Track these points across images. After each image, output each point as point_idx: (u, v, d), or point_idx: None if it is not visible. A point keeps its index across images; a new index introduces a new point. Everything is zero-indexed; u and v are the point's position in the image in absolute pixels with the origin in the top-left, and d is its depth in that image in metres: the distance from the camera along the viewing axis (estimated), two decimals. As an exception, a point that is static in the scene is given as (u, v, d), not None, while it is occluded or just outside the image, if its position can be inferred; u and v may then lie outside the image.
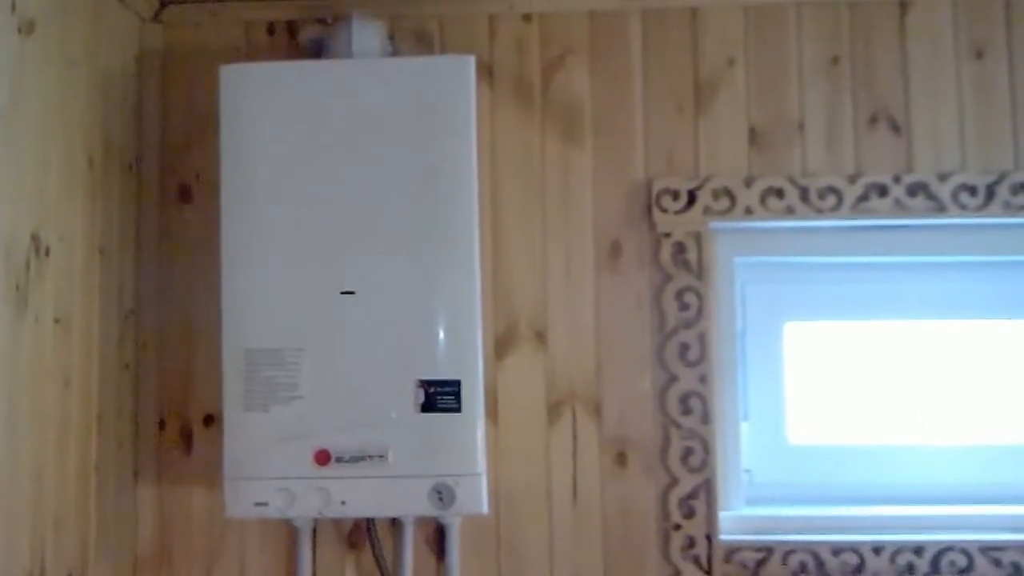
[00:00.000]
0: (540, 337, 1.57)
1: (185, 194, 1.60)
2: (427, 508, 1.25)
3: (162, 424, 1.56)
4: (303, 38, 1.58)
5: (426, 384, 1.26)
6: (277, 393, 1.26)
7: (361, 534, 1.53)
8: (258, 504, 1.24)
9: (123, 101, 1.54)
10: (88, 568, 1.36)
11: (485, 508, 1.28)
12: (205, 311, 1.54)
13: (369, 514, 1.28)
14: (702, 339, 1.55)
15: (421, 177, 1.30)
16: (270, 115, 1.31)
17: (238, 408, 1.27)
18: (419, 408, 1.26)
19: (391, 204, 1.30)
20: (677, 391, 1.54)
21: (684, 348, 1.55)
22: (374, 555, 1.48)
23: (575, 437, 1.56)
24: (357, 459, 1.24)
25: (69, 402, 1.32)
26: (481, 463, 1.27)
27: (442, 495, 1.25)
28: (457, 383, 1.26)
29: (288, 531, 1.54)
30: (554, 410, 1.56)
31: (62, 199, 1.31)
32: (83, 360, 1.36)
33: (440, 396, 1.25)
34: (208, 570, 1.55)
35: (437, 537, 1.54)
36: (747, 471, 1.65)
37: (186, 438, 1.56)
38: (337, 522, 1.54)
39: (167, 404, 1.57)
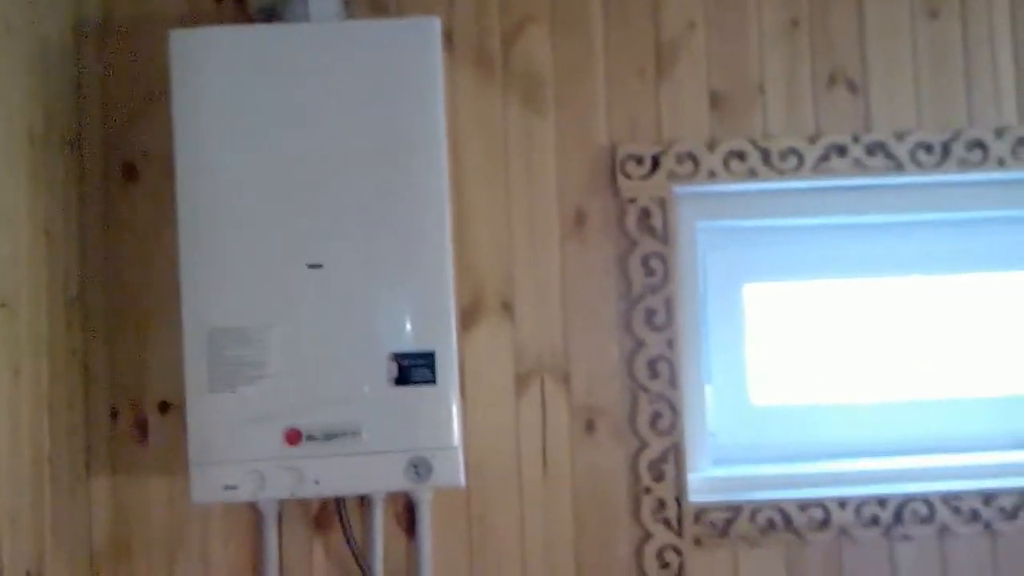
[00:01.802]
0: (507, 307, 1.56)
1: (130, 172, 1.53)
2: (403, 483, 1.22)
3: (114, 413, 1.50)
4: (252, 6, 1.52)
5: (399, 357, 1.23)
6: (243, 373, 1.22)
7: (329, 515, 1.50)
8: (228, 488, 1.20)
9: (62, 73, 1.47)
10: (45, 564, 1.31)
11: (462, 480, 1.26)
12: (156, 295, 1.49)
13: (344, 492, 1.25)
14: (668, 304, 1.55)
15: (387, 143, 1.26)
16: (225, 83, 1.26)
17: (202, 390, 1.22)
18: (393, 382, 1.23)
19: (357, 172, 1.26)
20: (645, 356, 1.54)
21: (651, 313, 1.55)
22: (344, 535, 1.46)
23: (544, 407, 1.55)
24: (330, 437, 1.21)
25: (19, 392, 1.25)
26: (457, 435, 1.25)
27: (418, 469, 1.22)
28: (431, 355, 1.24)
29: (252, 516, 1.50)
30: (522, 381, 1.55)
31: (3, 178, 1.24)
32: (32, 347, 1.30)
33: (414, 368, 1.22)
34: (170, 562, 1.50)
35: (407, 514, 1.52)
36: (712, 433, 1.67)
37: (141, 427, 1.50)
38: (304, 504, 1.51)
39: (120, 392, 1.50)
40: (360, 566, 1.48)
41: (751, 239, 1.71)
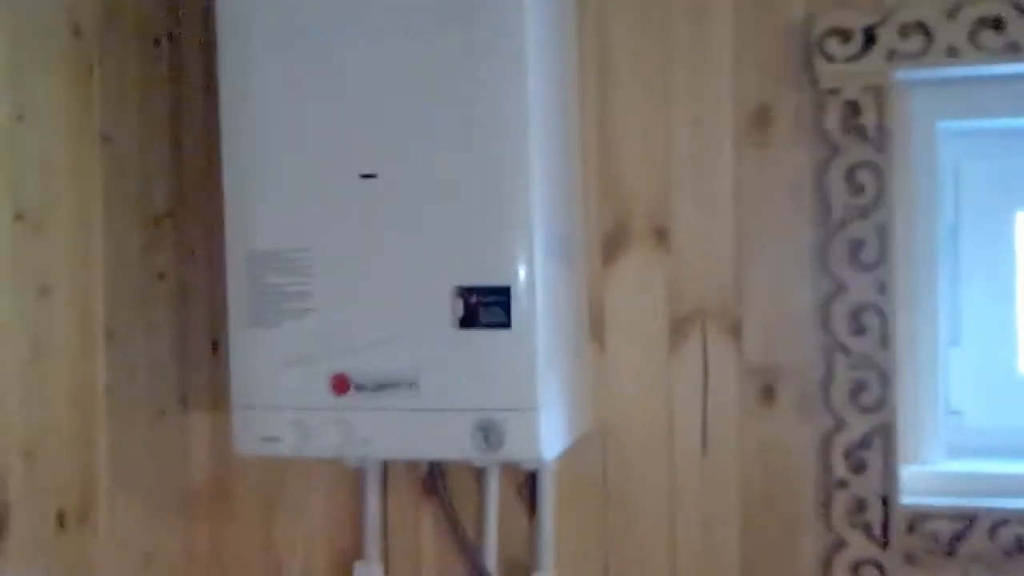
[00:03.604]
0: (661, 235, 1.22)
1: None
2: (469, 450, 0.95)
3: (215, 345, 1.35)
4: None
5: (466, 292, 0.95)
6: (285, 305, 1.00)
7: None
8: (267, 439, 1.00)
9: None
10: (96, 505, 1.18)
11: (544, 453, 0.96)
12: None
13: (399, 455, 1.00)
14: (882, 233, 1.13)
15: (459, 37, 0.97)
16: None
17: (243, 324, 1.02)
18: (458, 323, 0.95)
19: (421, 68, 0.98)
20: (846, 304, 1.14)
21: (856, 246, 1.14)
22: (443, 507, 1.22)
23: (706, 364, 1.20)
24: (382, 387, 0.97)
25: (43, 314, 1.09)
26: (538, 394, 0.95)
27: (487, 435, 0.94)
28: (506, 291, 0.94)
29: (356, 474, 1.31)
30: (678, 329, 1.21)
31: (34, 71, 1.09)
32: (69, 265, 1.14)
33: (484, 307, 0.93)
34: (268, 512, 1.35)
35: (529, 487, 1.25)
36: (956, 412, 1.23)
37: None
38: (412, 465, 1.28)
39: (223, 323, 1.36)
40: (463, 543, 1.24)
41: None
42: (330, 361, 0.98)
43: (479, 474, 1.25)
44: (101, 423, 1.19)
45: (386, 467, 1.30)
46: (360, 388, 0.97)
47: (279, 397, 1.00)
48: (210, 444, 1.37)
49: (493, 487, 1.24)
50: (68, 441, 1.14)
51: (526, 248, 0.95)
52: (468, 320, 0.94)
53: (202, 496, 1.38)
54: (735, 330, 1.19)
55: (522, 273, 0.95)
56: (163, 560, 1.31)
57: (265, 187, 1.03)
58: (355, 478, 1.31)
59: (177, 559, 1.34)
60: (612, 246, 1.23)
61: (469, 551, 1.26)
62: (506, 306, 0.94)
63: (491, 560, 1.25)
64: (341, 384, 0.98)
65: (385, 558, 1.30)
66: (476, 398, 0.95)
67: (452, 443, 0.96)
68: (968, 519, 1.09)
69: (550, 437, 0.99)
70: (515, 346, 0.94)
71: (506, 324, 0.93)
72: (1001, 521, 1.08)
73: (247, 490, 1.37)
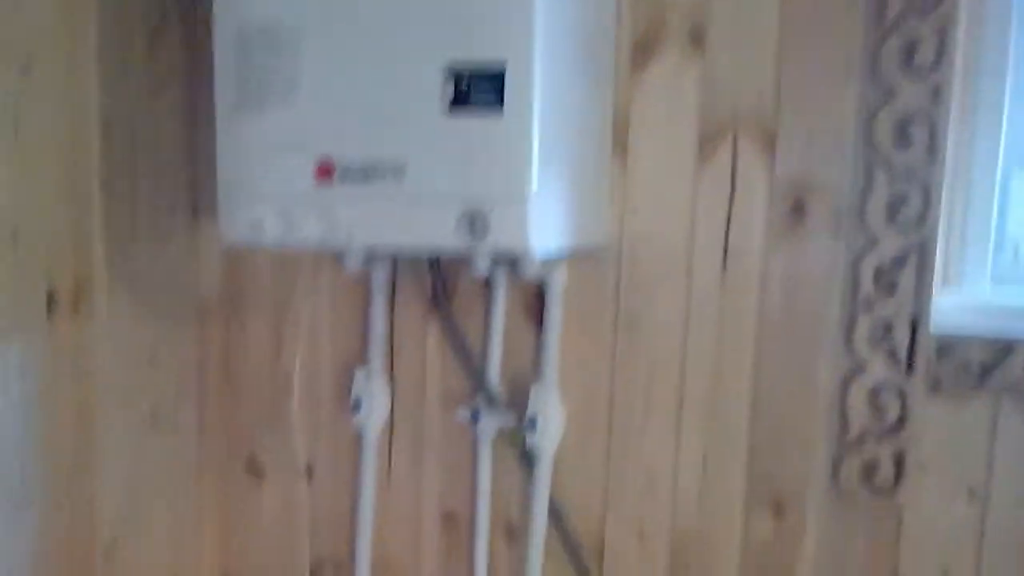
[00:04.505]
0: (696, 37, 1.10)
1: None
2: (454, 240, 0.89)
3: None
4: None
5: (457, 70, 0.86)
6: (273, 87, 0.93)
7: (446, 295, 1.24)
8: (253, 227, 0.95)
9: None
10: (93, 294, 1.17)
11: (533, 248, 0.90)
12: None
13: (383, 244, 0.94)
14: (941, 34, 1.00)
15: None
16: None
17: (229, 108, 0.96)
18: (448, 106, 0.87)
19: None
20: (893, 113, 1.03)
21: (910, 47, 1.01)
22: (446, 320, 1.18)
23: (734, 180, 1.11)
24: (368, 173, 0.90)
25: (21, 92, 1.05)
26: (531, 184, 0.88)
27: (473, 224, 0.88)
28: (500, 70, 0.85)
29: (363, 289, 1.28)
30: (709, 141, 1.12)
31: None
32: (53, 43, 1.07)
33: (476, 87, 0.85)
34: (277, 325, 1.34)
35: (537, 303, 1.20)
36: (1012, 241, 1.13)
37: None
38: (420, 281, 1.25)
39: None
40: (465, 357, 1.21)
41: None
42: (316, 146, 0.92)
43: (487, 290, 1.20)
44: (97, 215, 1.16)
45: (394, 281, 1.26)
46: (345, 175, 0.91)
47: (264, 185, 0.95)
48: (221, 252, 1.35)
49: (500, 301, 1.19)
50: (58, 227, 1.11)
51: (524, 21, 0.85)
52: (459, 101, 0.86)
53: (212, 303, 1.37)
54: (768, 141, 1.09)
55: (518, 52, 0.85)
56: (171, 362, 1.32)
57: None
58: (363, 291, 1.28)
59: (186, 362, 1.35)
60: (642, 51, 1.13)
61: (471, 365, 1.23)
62: (499, 87, 0.85)
63: (494, 375, 1.22)
64: (326, 169, 0.92)
65: (389, 369, 1.29)
66: (465, 186, 0.88)
67: (437, 232, 0.90)
68: (1004, 350, 1.00)
69: (544, 232, 0.92)
70: (508, 131, 0.86)
71: (498, 106, 0.85)
72: (1041, 350, 0.99)
73: (257, 299, 1.36)
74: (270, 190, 0.95)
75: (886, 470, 1.06)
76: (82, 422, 1.18)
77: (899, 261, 1.03)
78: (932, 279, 1.03)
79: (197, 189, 1.32)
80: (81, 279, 1.16)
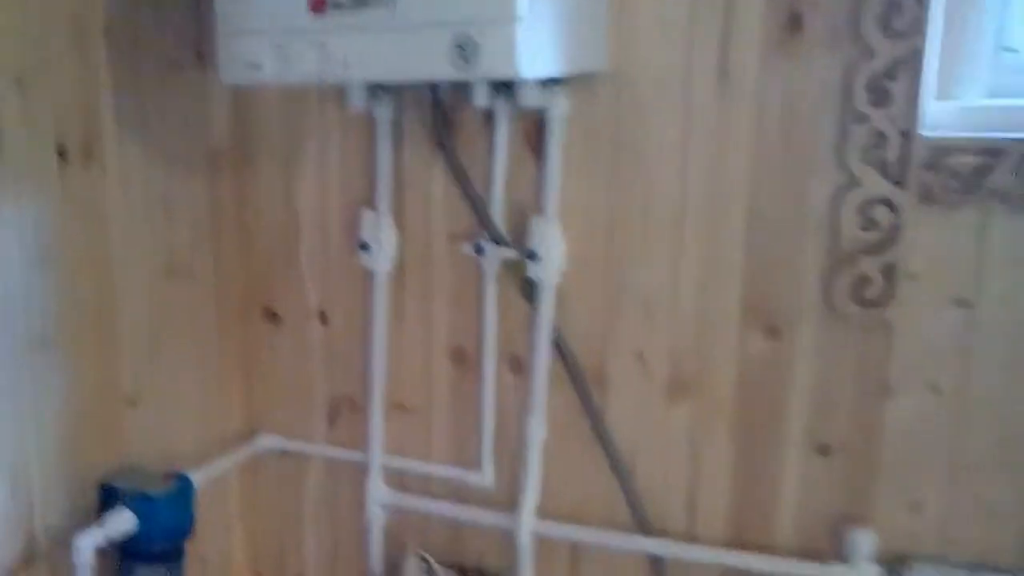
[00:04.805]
0: None
1: None
2: (447, 69, 0.90)
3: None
4: None
5: None
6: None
7: (450, 133, 1.25)
8: (250, 65, 0.97)
9: None
10: (103, 143, 1.20)
11: (523, 68, 0.90)
12: None
13: (378, 76, 0.96)
14: None
15: None
16: None
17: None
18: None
19: None
20: (889, -84, 1.00)
21: None
22: (449, 157, 1.20)
23: (729, -3, 1.10)
24: (360, 3, 0.91)
25: None
26: (517, 4, 0.88)
27: (464, 49, 0.89)
28: None
29: (369, 130, 1.29)
30: (703, -40, 1.10)
31: None
32: None
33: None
34: (287, 168, 1.36)
35: (537, 132, 1.21)
36: (1009, 50, 1.10)
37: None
38: (423, 117, 1.26)
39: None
40: (468, 191, 1.24)
41: None
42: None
43: (489, 124, 1.21)
44: (102, 63, 1.18)
45: (400, 123, 1.28)
46: (338, 5, 0.92)
47: (260, 21, 0.97)
48: (232, 101, 1.37)
49: (502, 133, 1.21)
50: (65, 75, 1.14)
51: None
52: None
53: (224, 151, 1.40)
54: (762, -46, 1.07)
55: None
56: (185, 209, 1.35)
57: None
58: (369, 132, 1.29)
59: (200, 209, 1.38)
60: None
61: (475, 200, 1.25)
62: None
63: (497, 208, 1.24)
64: (319, 1, 0.93)
65: (396, 209, 1.32)
66: (454, 12, 0.89)
67: (430, 61, 0.91)
68: (993, 154, 1.00)
69: (534, 55, 0.92)
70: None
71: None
72: (1031, 154, 0.99)
73: (266, 144, 1.38)
74: (266, 25, 0.96)
75: (877, 284, 1.07)
76: (100, 272, 1.23)
77: (892, 71, 1.02)
78: (924, 88, 1.02)
79: (202, 37, 1.33)
80: (90, 128, 1.18)
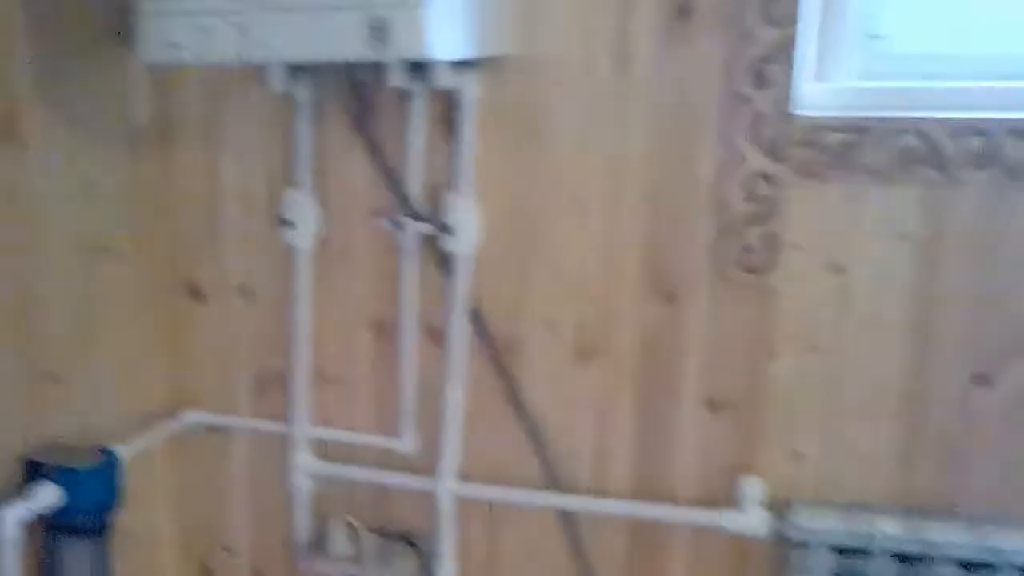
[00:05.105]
0: None
1: None
2: (363, 51, 0.96)
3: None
4: None
5: None
6: None
7: (369, 116, 1.30)
8: (170, 45, 1.01)
9: None
10: (23, 121, 1.21)
11: (432, 50, 0.97)
12: None
13: (295, 57, 1.01)
14: None
15: None
16: None
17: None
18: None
19: None
20: (766, -89, 1.09)
21: None
22: (367, 138, 1.25)
23: (625, -16, 1.18)
24: (277, -17, 0.97)
25: None
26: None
27: (378, 31, 0.95)
28: None
29: (290, 110, 1.34)
30: (598, -49, 1.17)
31: None
32: None
33: None
34: (209, 148, 1.40)
35: (452, 113, 1.27)
36: (877, 36, 1.20)
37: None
38: (342, 98, 1.31)
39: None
40: (386, 171, 1.29)
41: None
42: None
43: (405, 104, 1.27)
44: (20, 37, 1.19)
45: (320, 103, 1.33)
46: (255, -11, 0.97)
47: (179, 1, 1.00)
48: (153, 79, 1.40)
49: (418, 113, 1.27)
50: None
51: None
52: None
53: (145, 131, 1.42)
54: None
55: None
56: (107, 190, 1.37)
57: None
58: (290, 113, 1.34)
59: (122, 186, 1.40)
60: None
61: (393, 177, 1.31)
62: None
63: (414, 185, 1.31)
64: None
65: (318, 187, 1.37)
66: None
67: (346, 42, 0.96)
68: (860, 131, 1.11)
69: (444, 37, 0.99)
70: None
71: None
72: (892, 132, 1.09)
73: (190, 123, 1.41)
74: (185, 5, 1.00)
75: (760, 253, 1.17)
76: (20, 253, 1.24)
77: (770, 56, 1.11)
78: (799, 71, 1.11)
79: (124, 16, 1.35)
80: (9, 104, 1.19)
